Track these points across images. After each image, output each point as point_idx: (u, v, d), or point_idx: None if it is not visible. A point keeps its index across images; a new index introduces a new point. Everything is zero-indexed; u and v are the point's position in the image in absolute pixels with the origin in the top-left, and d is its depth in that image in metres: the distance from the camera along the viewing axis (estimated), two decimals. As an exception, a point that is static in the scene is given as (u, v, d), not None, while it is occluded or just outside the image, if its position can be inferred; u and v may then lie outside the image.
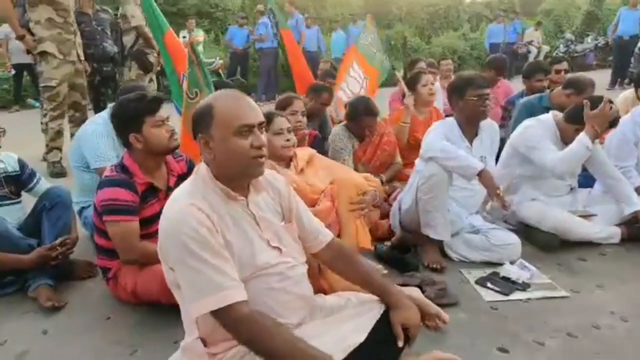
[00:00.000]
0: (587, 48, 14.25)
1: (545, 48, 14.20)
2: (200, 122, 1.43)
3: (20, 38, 4.53)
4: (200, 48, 10.82)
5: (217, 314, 1.31)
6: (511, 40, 13.16)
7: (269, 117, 2.51)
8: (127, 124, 2.15)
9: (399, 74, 4.64)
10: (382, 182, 3.36)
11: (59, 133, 4.77)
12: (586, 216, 2.88)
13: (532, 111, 3.42)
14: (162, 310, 2.07)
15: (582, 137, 2.71)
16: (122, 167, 2.15)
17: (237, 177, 1.45)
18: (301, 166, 2.55)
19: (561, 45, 14.42)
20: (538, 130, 2.88)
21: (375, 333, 1.48)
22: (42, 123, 5.04)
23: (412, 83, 3.81)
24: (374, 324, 1.51)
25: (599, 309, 2.20)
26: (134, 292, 2.14)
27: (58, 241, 2.35)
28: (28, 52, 4.68)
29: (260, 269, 1.42)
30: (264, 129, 1.46)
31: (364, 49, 5.09)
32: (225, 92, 1.48)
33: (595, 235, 2.82)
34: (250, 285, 1.39)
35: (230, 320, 1.31)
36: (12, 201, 2.53)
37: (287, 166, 2.51)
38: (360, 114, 3.39)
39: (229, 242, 1.38)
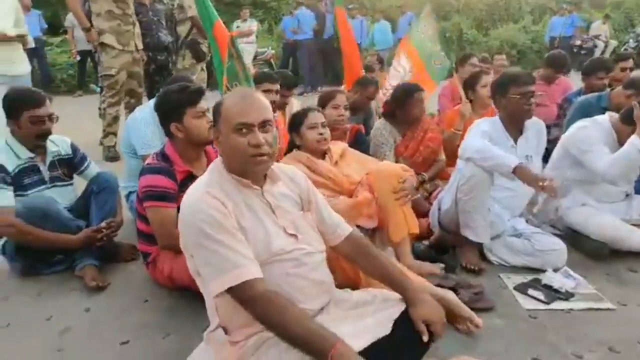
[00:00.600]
0: (659, 44, 13.31)
1: (613, 43, 13.36)
2: (214, 116, 1.54)
3: (87, 30, 4.76)
4: (253, 37, 10.93)
5: (233, 291, 1.35)
6: (567, 34, 12.53)
7: (304, 112, 2.60)
8: (169, 113, 2.22)
9: (455, 74, 4.37)
10: (424, 181, 3.30)
11: (115, 119, 5.01)
12: (640, 225, 2.71)
13: (588, 111, 3.23)
14: (196, 296, 2.08)
15: (633, 139, 2.54)
16: (163, 156, 2.23)
17: (242, 170, 1.50)
18: (335, 159, 2.62)
19: (631, 40, 13.49)
20: (593, 131, 2.72)
21: (397, 329, 1.47)
22: (99, 108, 5.30)
23: (471, 83, 3.67)
24: (394, 319, 1.50)
25: (647, 324, 2.07)
26: (170, 277, 2.22)
27: (103, 223, 2.48)
28: (88, 41, 4.92)
29: (275, 254, 1.46)
30: (271, 127, 1.50)
31: (417, 41, 4.55)
32: (237, 90, 1.58)
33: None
34: (266, 270, 1.42)
35: (246, 296, 1.35)
36: (65, 183, 2.68)
37: (322, 158, 2.58)
38: (403, 98, 3.32)
39: (243, 228, 1.43)
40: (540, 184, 2.32)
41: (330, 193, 2.44)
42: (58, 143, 2.66)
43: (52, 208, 2.43)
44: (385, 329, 1.45)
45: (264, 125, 1.47)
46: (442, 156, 3.50)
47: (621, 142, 2.70)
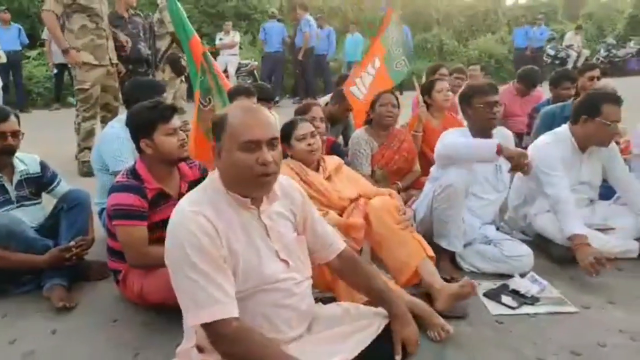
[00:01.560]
0: (629, 53, 13.75)
1: (586, 52, 13.75)
2: (216, 130, 1.45)
3: (65, 52, 4.70)
4: (236, 49, 10.97)
5: (206, 326, 1.34)
6: (536, 45, 12.82)
7: (293, 123, 2.60)
8: (139, 129, 2.21)
9: (416, 81, 4.50)
10: (398, 191, 3.35)
11: (90, 133, 4.95)
12: (604, 229, 2.79)
13: (552, 121, 3.35)
14: (167, 313, 2.11)
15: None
16: (133, 173, 2.20)
17: (244, 189, 1.45)
18: (329, 172, 2.59)
19: (602, 50, 13.93)
20: (553, 150, 2.79)
21: (372, 348, 1.50)
22: (75, 123, 5.25)
23: (427, 88, 3.85)
24: (372, 340, 1.53)
25: (608, 326, 2.12)
26: (141, 294, 2.19)
27: (72, 242, 2.42)
28: (69, 63, 4.86)
29: (267, 282, 1.43)
30: (278, 144, 1.45)
31: (387, 44, 4.47)
32: (242, 104, 1.50)
33: (612, 249, 2.71)
34: (255, 298, 1.41)
35: (216, 333, 1.34)
36: (33, 202, 2.62)
37: (316, 170, 2.58)
38: (379, 95, 3.41)
39: (234, 251, 1.39)
40: (523, 160, 2.46)
41: (319, 207, 2.40)
42: (27, 162, 2.62)
43: (17, 228, 2.37)
44: (360, 349, 1.48)
45: (271, 142, 1.41)
46: (418, 167, 3.58)
47: (580, 146, 2.82)
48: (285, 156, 2.59)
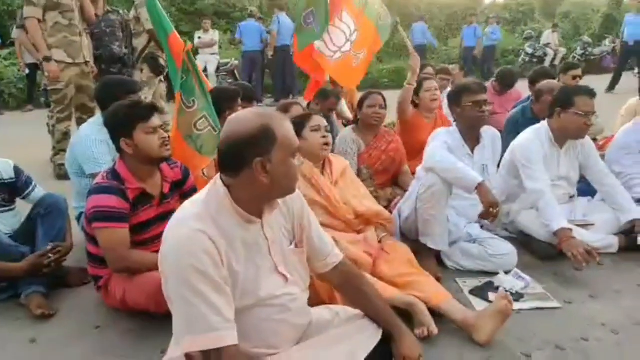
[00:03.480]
0: (604, 51, 13.98)
1: (563, 51, 13.98)
2: (258, 144, 1.34)
3: (46, 60, 4.49)
4: (215, 48, 10.79)
5: (202, 352, 1.29)
6: (487, 44, 13.00)
7: (307, 115, 2.55)
8: (118, 129, 2.16)
9: (404, 34, 4.54)
10: (391, 200, 3.33)
11: (65, 135, 4.77)
12: (584, 225, 2.83)
13: (516, 126, 3.42)
14: (151, 319, 2.09)
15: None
16: (113, 174, 2.15)
17: (272, 198, 1.44)
18: (336, 177, 2.53)
19: (578, 48, 14.18)
20: (534, 145, 2.84)
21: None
22: (48, 125, 5.09)
23: (415, 89, 3.84)
24: (368, 348, 1.51)
25: (590, 320, 2.17)
26: (123, 300, 2.14)
27: (49, 247, 2.35)
28: (47, 76, 4.61)
29: (263, 299, 1.41)
30: None
31: (361, 1, 4.14)
32: (275, 114, 1.45)
33: (593, 244, 2.74)
34: (250, 313, 1.39)
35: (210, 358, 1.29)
36: (6, 208, 2.55)
37: (321, 170, 2.52)
38: (368, 94, 3.40)
39: (235, 271, 1.35)
40: (492, 209, 2.47)
41: (324, 214, 2.36)
42: (0, 167, 2.53)
43: None
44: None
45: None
46: (407, 167, 3.58)
47: (557, 141, 2.89)
48: None
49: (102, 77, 5.00)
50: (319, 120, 2.51)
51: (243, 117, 1.38)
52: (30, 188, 2.62)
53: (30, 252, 2.37)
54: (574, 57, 13.53)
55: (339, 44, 4.10)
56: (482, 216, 2.56)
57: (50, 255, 2.33)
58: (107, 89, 2.88)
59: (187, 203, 1.43)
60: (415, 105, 3.88)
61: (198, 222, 1.32)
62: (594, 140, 3.90)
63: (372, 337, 1.56)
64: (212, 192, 1.41)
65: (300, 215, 1.57)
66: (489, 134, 2.88)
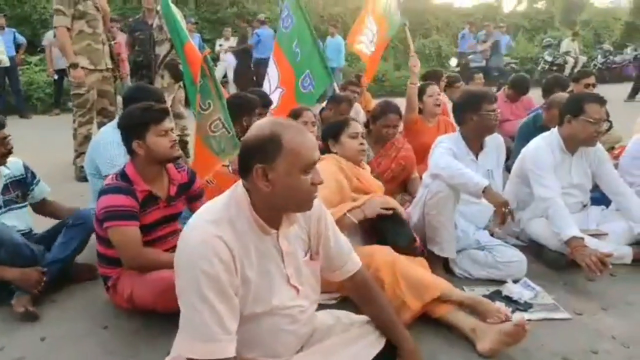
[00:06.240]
0: (626, 59, 13.75)
1: (583, 59, 13.77)
2: (262, 151, 1.33)
3: (74, 67, 4.72)
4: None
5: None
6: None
7: (346, 120, 2.62)
8: (131, 130, 2.22)
9: (409, 35, 4.69)
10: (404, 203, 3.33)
11: (87, 138, 4.92)
12: (597, 235, 2.78)
13: (528, 134, 3.39)
14: (158, 319, 2.11)
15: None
16: (122, 176, 2.21)
17: (285, 210, 1.42)
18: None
19: (599, 56, 13.97)
20: (545, 154, 2.81)
21: None
22: (72, 128, 5.25)
23: (419, 93, 3.91)
24: (370, 356, 1.53)
25: (601, 333, 2.12)
26: (131, 298, 2.17)
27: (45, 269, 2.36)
28: (73, 78, 4.82)
29: (275, 308, 1.42)
30: None
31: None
32: (291, 124, 1.40)
33: (605, 254, 2.72)
34: (259, 321, 1.40)
35: None
36: (20, 205, 2.61)
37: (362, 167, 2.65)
38: (384, 111, 3.37)
39: (247, 278, 1.36)
40: (504, 209, 2.43)
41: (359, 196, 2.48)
42: (10, 165, 2.60)
43: (5, 235, 2.31)
44: None
45: (315, 163, 1.39)
46: (416, 174, 3.56)
47: (568, 148, 2.85)
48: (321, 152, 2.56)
49: (137, 82, 5.16)
50: (357, 127, 2.57)
51: (259, 124, 1.40)
52: (34, 183, 2.70)
53: (41, 253, 2.43)
54: (595, 65, 13.34)
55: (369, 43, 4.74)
56: (500, 221, 2.49)
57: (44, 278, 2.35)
58: (138, 93, 2.99)
59: (209, 203, 1.44)
60: (419, 111, 3.92)
61: (215, 226, 1.33)
62: (612, 149, 3.85)
63: (374, 345, 1.57)
64: (233, 194, 1.42)
65: (317, 220, 1.56)
66: (493, 139, 2.85)
